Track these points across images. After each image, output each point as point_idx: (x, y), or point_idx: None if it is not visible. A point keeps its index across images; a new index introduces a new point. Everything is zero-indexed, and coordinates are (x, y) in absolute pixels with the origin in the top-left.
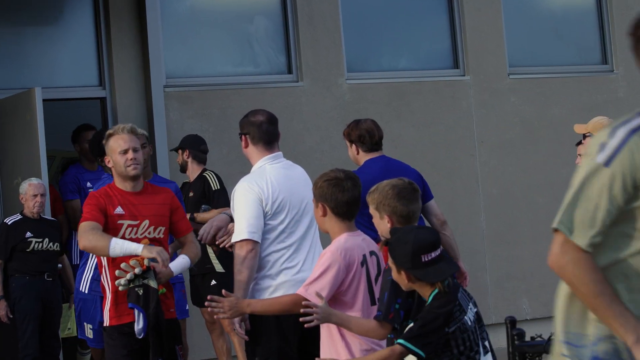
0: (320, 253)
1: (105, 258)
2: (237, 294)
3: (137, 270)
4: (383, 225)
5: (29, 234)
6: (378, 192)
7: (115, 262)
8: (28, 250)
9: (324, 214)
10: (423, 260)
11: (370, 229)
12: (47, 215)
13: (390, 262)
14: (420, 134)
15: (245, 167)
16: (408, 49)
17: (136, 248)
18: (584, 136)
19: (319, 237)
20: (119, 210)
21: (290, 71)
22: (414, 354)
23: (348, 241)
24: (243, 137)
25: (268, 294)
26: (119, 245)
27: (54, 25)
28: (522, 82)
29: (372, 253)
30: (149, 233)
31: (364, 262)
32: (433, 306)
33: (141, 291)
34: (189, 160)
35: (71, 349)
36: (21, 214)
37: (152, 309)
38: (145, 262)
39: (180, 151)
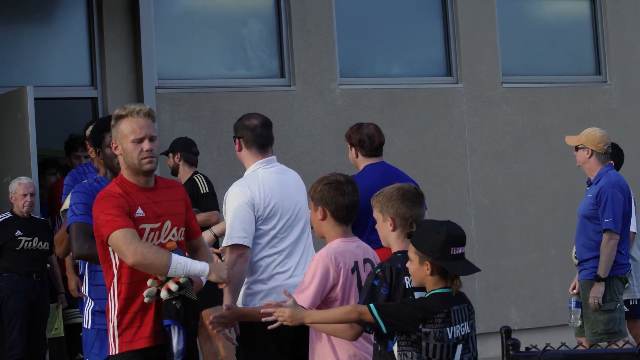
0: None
1: (117, 268)
2: (227, 298)
3: (172, 287)
4: (385, 228)
5: (18, 232)
6: (383, 195)
7: (128, 273)
8: (17, 248)
9: (324, 218)
10: (452, 252)
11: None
12: (37, 215)
13: (412, 252)
14: (412, 141)
15: (236, 170)
16: (401, 56)
17: (202, 269)
18: (576, 148)
19: (312, 242)
20: (139, 212)
21: (282, 75)
22: (376, 322)
23: (340, 246)
24: (237, 140)
25: (259, 299)
26: (181, 265)
27: (47, 24)
28: (514, 91)
29: (366, 260)
30: (173, 236)
31: (355, 268)
32: (424, 300)
33: (179, 304)
34: (180, 163)
35: (58, 350)
36: (11, 212)
37: (192, 326)
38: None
39: (170, 154)
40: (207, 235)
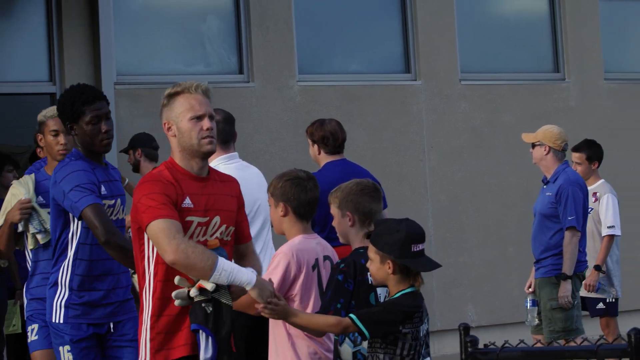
0: (271, 254)
1: (152, 262)
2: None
3: (207, 286)
4: (344, 224)
5: None
6: (341, 190)
7: (165, 270)
8: None
9: (285, 214)
10: (413, 249)
11: None
12: None
13: (372, 252)
14: (371, 137)
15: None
16: (360, 53)
17: (248, 281)
18: (533, 145)
19: (272, 238)
20: (187, 202)
21: (241, 72)
22: (359, 331)
23: (302, 243)
24: None
25: None
26: (226, 273)
27: (5, 19)
28: (473, 89)
29: (325, 257)
30: (220, 234)
31: (315, 265)
32: (399, 300)
33: (210, 308)
34: (141, 159)
35: (15, 346)
36: None
37: (225, 333)
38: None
39: (131, 151)
40: None
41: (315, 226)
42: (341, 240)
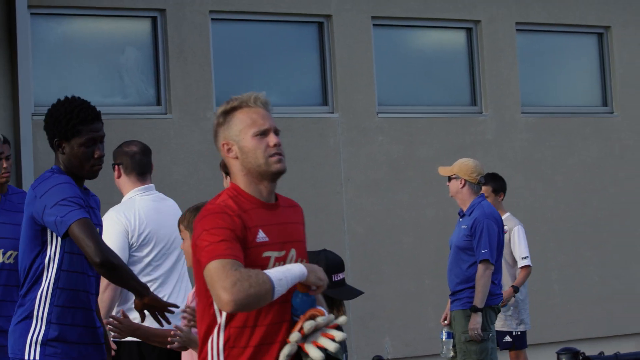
0: (186, 287)
1: (220, 313)
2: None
3: (330, 347)
4: None
5: None
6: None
7: (234, 318)
8: None
9: None
10: (334, 279)
11: None
12: None
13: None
14: (288, 170)
15: (112, 197)
16: (278, 85)
17: (301, 273)
18: (449, 178)
19: (187, 271)
20: (261, 236)
21: (159, 103)
22: None
23: None
24: (116, 167)
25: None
26: (282, 282)
27: None
28: (390, 121)
29: None
30: None
31: None
32: None
33: None
34: None
35: None
36: None
37: None
38: (333, 318)
39: None
40: None
41: None
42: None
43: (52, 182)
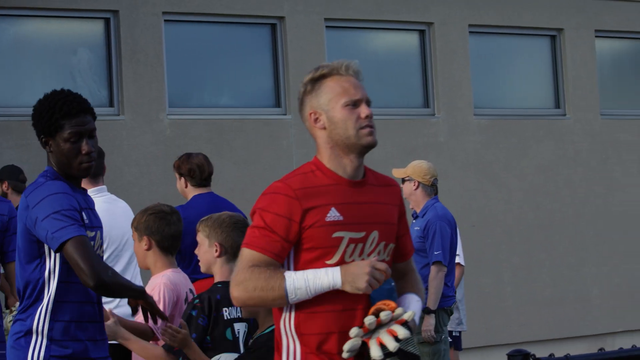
0: None
1: (291, 310)
2: None
3: (389, 344)
4: (209, 254)
5: None
6: (213, 220)
7: (313, 317)
8: None
9: (149, 248)
10: None
11: None
12: None
13: None
14: (241, 171)
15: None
16: (231, 87)
17: (332, 282)
18: (403, 180)
19: (139, 272)
20: (333, 214)
21: (111, 104)
22: None
23: (174, 276)
24: None
25: None
26: (301, 291)
27: None
28: None
29: (191, 291)
30: (379, 253)
31: (186, 299)
32: (270, 337)
33: None
34: (9, 191)
35: None
36: None
37: None
38: (401, 313)
39: None
40: None
41: (183, 260)
42: (202, 269)
43: (44, 191)
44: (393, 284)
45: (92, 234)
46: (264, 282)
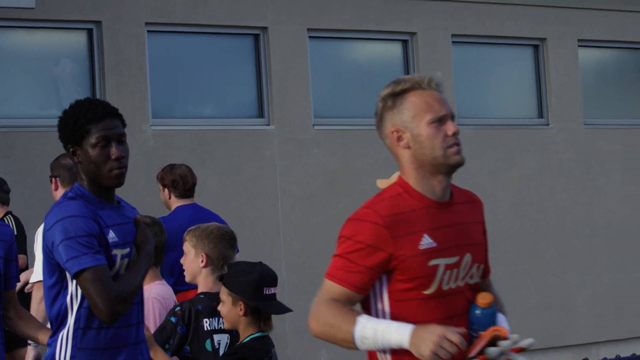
0: None
1: (387, 307)
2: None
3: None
4: (195, 264)
5: None
6: (200, 230)
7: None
8: None
9: None
10: (265, 292)
11: None
12: None
13: (225, 294)
14: (224, 182)
15: (47, 210)
16: (214, 97)
17: (400, 340)
18: None
19: None
20: (427, 241)
21: None
22: None
23: (161, 289)
24: (53, 179)
25: None
26: (369, 341)
27: None
28: (326, 134)
29: (175, 303)
30: (471, 277)
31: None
32: (251, 344)
33: None
34: None
35: None
36: None
37: None
38: (518, 340)
39: None
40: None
41: (165, 271)
42: (187, 278)
43: (58, 213)
44: (494, 309)
45: (126, 250)
46: (335, 320)
